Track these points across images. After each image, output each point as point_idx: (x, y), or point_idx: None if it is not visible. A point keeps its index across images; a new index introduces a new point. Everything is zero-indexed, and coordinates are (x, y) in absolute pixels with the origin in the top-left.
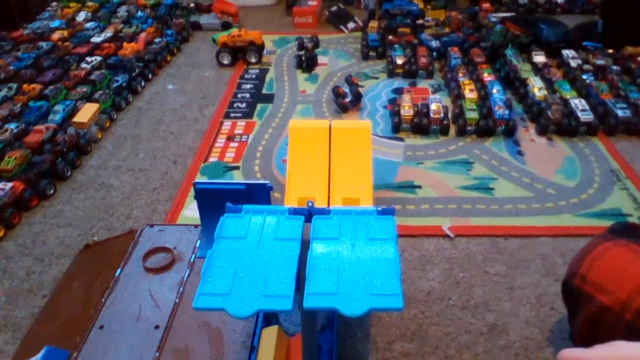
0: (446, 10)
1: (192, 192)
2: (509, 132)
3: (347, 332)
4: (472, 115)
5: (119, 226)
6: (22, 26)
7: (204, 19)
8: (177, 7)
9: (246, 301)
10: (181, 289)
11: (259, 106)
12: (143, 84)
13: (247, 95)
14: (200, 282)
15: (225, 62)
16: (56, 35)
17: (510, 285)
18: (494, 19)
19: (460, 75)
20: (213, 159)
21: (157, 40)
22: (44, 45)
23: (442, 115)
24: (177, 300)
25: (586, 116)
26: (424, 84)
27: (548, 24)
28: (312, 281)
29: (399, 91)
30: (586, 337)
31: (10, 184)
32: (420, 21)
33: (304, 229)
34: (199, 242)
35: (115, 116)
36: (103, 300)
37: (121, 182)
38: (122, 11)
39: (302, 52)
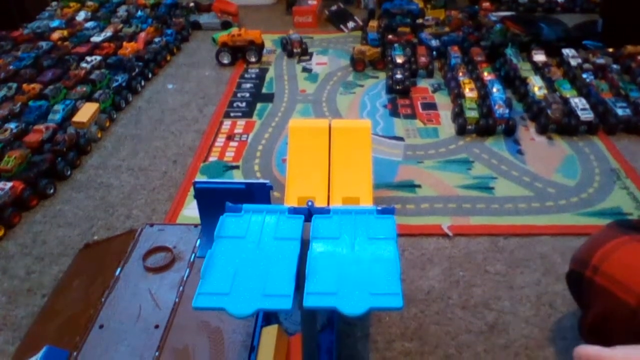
0: (446, 9)
1: (192, 192)
2: (509, 131)
3: (347, 332)
4: (472, 114)
5: (118, 226)
6: (21, 26)
7: (204, 19)
8: (176, 7)
9: (246, 300)
10: (181, 288)
11: (258, 105)
12: (143, 83)
13: (247, 94)
14: (200, 282)
15: (225, 61)
16: (56, 35)
17: (510, 284)
18: (493, 18)
19: (460, 74)
20: (213, 158)
21: (156, 39)
22: (43, 44)
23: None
24: (177, 300)
25: (586, 115)
26: (424, 83)
27: (548, 23)
28: (311, 280)
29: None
30: (597, 330)
31: (10, 184)
32: (420, 20)
33: (304, 228)
34: (198, 241)
35: (115, 116)
36: (103, 299)
37: (121, 182)
38: (122, 11)
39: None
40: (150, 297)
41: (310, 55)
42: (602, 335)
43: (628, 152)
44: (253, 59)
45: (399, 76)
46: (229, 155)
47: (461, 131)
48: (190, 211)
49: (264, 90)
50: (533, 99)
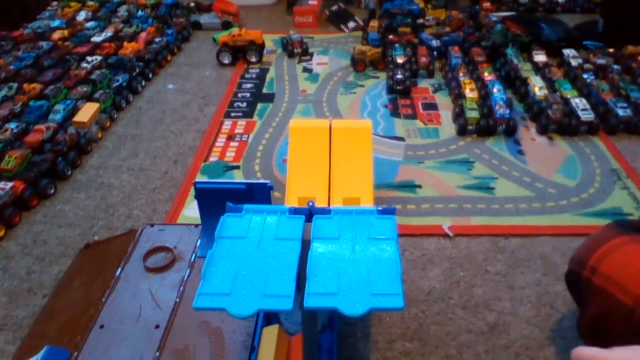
0: (447, 9)
1: (192, 192)
2: (510, 132)
3: (348, 332)
4: (472, 114)
5: (119, 226)
6: (22, 26)
7: (205, 19)
8: (177, 7)
9: (246, 301)
10: (181, 288)
11: (259, 105)
12: (143, 83)
13: (248, 94)
14: (200, 282)
15: (226, 61)
16: (56, 35)
17: (510, 285)
18: (494, 18)
19: (461, 74)
20: (213, 158)
21: (157, 39)
22: (44, 44)
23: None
24: (177, 300)
25: (587, 115)
26: (424, 83)
27: (548, 23)
28: (312, 281)
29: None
30: (595, 330)
31: (10, 184)
32: (420, 20)
33: (305, 229)
34: (199, 241)
35: (115, 116)
36: (103, 299)
37: (121, 182)
38: (123, 11)
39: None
40: (150, 297)
41: (311, 55)
42: (601, 336)
43: (628, 153)
44: (254, 59)
45: (399, 76)
46: (230, 155)
47: (462, 131)
48: (191, 211)
49: (264, 90)
50: (534, 99)
